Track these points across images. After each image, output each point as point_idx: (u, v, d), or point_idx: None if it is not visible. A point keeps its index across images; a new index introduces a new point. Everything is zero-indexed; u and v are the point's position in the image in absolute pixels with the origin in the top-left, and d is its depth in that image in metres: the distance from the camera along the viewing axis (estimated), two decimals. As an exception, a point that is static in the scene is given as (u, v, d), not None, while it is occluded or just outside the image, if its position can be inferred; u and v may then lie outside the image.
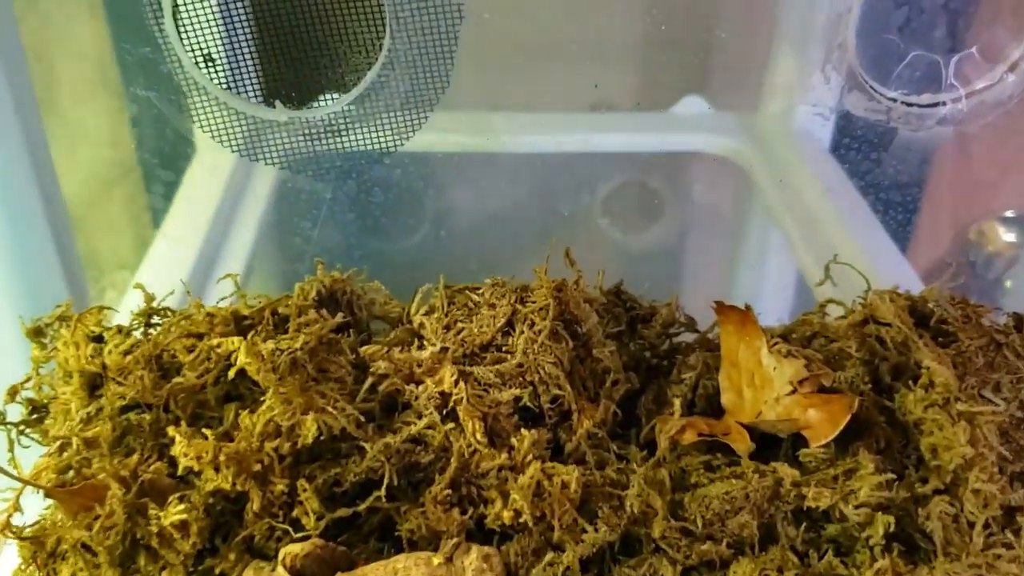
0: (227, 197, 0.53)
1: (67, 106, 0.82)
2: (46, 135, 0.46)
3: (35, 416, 0.40)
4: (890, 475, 0.37)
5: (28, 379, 0.39)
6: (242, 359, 0.36)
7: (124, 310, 0.57)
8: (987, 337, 0.44)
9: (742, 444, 0.38)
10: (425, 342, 0.41)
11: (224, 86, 0.40)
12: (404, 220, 0.76)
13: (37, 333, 0.41)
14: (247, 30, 0.39)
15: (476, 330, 0.42)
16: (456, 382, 0.38)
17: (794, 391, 0.41)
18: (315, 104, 0.41)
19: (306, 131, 0.41)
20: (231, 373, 0.37)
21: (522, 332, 0.42)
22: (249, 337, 0.37)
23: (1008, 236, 0.80)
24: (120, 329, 0.41)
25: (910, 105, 0.40)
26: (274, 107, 0.40)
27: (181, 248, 0.51)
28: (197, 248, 0.50)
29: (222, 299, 0.42)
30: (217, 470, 0.35)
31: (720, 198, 0.92)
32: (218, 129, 0.41)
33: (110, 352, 0.38)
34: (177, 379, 0.38)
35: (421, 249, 0.78)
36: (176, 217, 0.54)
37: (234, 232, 0.52)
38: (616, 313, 0.46)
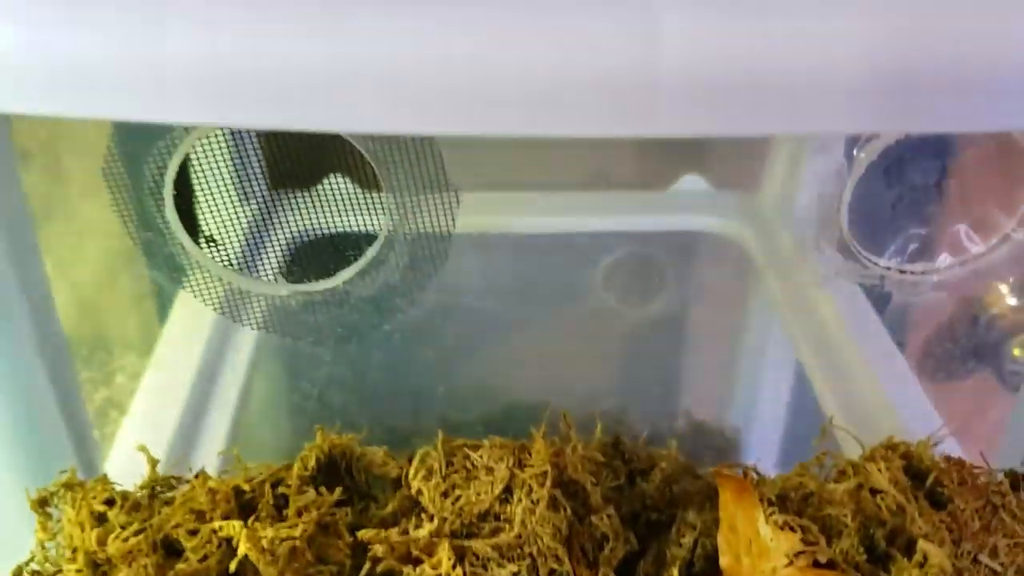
0: (215, 339, 0.54)
1: (75, 200, 0.83)
2: (46, 276, 0.46)
3: (39, 594, 0.40)
4: (885, 667, 0.37)
5: (32, 559, 0.40)
6: (243, 548, 0.37)
7: (131, 392, 0.59)
8: (983, 499, 0.44)
9: (738, 629, 0.39)
10: (423, 514, 0.42)
11: (227, 265, 0.40)
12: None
13: (42, 503, 0.41)
14: (258, 212, 0.40)
15: (474, 497, 0.42)
16: (454, 565, 0.39)
17: (791, 563, 0.41)
18: (317, 279, 0.42)
19: (306, 302, 0.41)
20: (233, 566, 0.37)
21: (520, 500, 0.42)
22: (250, 523, 0.38)
23: (1011, 299, 0.80)
24: (126, 498, 0.41)
25: (904, 272, 0.41)
26: (276, 282, 0.41)
27: (167, 403, 0.52)
28: (183, 401, 0.51)
29: (224, 472, 0.43)
30: (219, 667, 0.35)
31: (721, 279, 0.92)
32: (223, 305, 0.41)
33: (115, 538, 0.38)
34: (180, 565, 0.38)
35: (423, 329, 0.79)
36: (162, 363, 0.55)
37: (224, 377, 0.53)
38: (615, 467, 0.47)
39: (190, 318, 0.66)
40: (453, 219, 0.40)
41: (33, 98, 0.27)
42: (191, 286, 0.41)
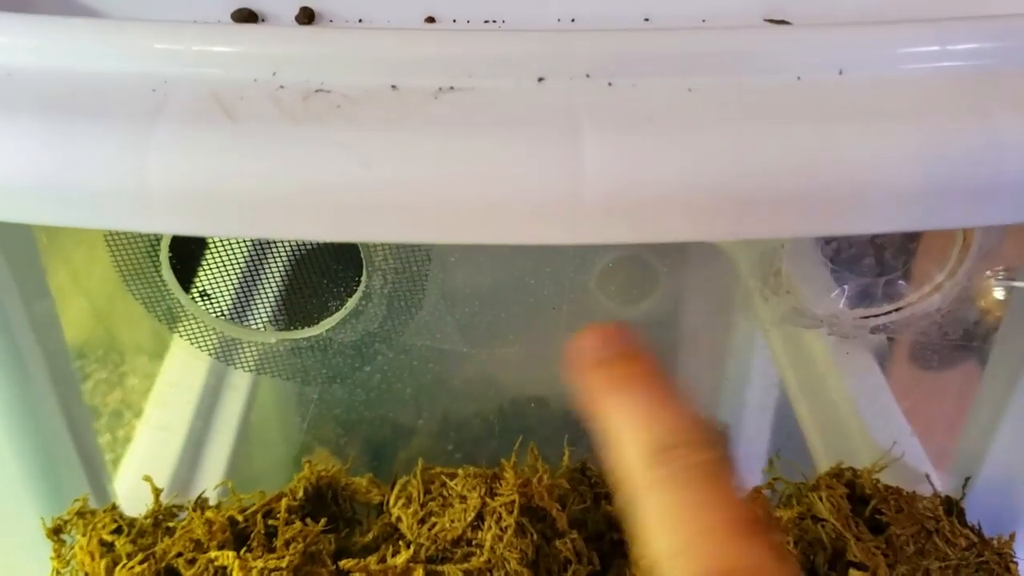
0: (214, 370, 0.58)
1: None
2: (54, 306, 0.50)
3: (55, 616, 0.45)
4: None
5: (48, 583, 0.45)
6: (235, 577, 0.41)
7: (144, 393, 0.63)
8: (918, 525, 0.48)
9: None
10: (401, 540, 0.46)
11: (220, 316, 0.44)
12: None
13: (56, 531, 0.46)
14: (243, 274, 0.44)
15: (448, 524, 0.46)
16: (427, 591, 0.43)
17: (736, 586, 0.45)
18: (302, 327, 0.45)
19: (293, 348, 0.45)
20: (225, 594, 0.41)
21: (490, 527, 0.46)
22: (242, 553, 0.42)
23: (998, 293, 0.82)
24: (132, 526, 0.46)
25: (844, 318, 0.44)
26: (265, 330, 0.45)
27: (172, 423, 0.56)
28: (189, 415, 0.55)
29: (223, 500, 0.47)
30: None
31: (711, 284, 0.95)
32: (218, 351, 0.45)
33: (121, 568, 0.43)
34: (180, 591, 0.43)
35: (423, 332, 0.83)
36: (167, 381, 0.59)
37: (227, 393, 0.57)
38: (581, 491, 0.51)
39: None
40: (425, 274, 0.44)
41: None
42: (188, 334, 0.45)
